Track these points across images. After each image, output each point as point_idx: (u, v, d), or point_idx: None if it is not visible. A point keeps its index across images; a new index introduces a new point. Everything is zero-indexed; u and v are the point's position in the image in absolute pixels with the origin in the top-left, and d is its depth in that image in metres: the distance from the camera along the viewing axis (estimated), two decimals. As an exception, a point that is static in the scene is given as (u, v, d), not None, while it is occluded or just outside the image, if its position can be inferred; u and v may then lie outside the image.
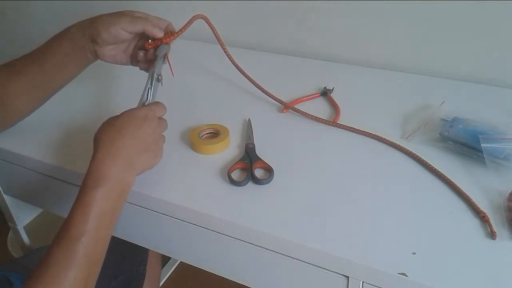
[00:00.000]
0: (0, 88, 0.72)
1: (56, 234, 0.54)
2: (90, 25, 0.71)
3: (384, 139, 0.74)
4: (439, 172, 0.66)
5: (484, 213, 0.59)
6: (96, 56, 0.74)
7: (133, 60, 0.77)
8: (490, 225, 0.57)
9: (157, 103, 0.67)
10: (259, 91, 0.91)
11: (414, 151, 0.71)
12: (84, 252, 0.53)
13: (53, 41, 0.74)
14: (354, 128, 0.77)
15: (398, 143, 0.73)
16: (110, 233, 0.57)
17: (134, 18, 0.71)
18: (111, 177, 0.57)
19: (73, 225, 0.54)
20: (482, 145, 0.67)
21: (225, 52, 0.86)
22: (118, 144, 0.59)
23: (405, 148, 0.72)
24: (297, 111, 0.82)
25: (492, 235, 0.56)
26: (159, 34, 0.73)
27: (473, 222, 0.59)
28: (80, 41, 0.72)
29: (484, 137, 0.68)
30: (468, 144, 0.69)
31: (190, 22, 0.77)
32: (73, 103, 0.87)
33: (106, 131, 0.60)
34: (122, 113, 0.63)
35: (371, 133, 0.76)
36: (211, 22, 0.80)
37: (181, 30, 0.75)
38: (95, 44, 0.72)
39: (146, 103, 0.68)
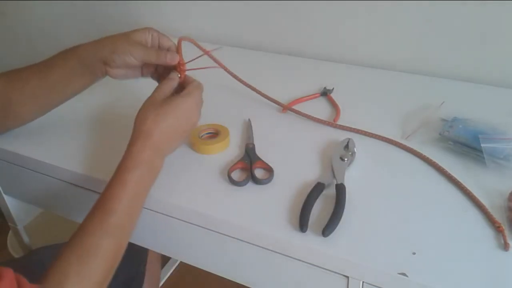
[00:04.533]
0: (2, 95, 0.73)
1: (91, 208, 0.59)
2: (102, 48, 0.71)
3: (384, 137, 0.74)
4: (444, 169, 0.66)
5: (499, 223, 0.57)
6: (106, 75, 0.74)
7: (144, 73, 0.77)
8: (504, 237, 0.55)
9: (197, 87, 0.68)
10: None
11: (416, 149, 0.71)
12: (117, 224, 0.58)
13: (60, 56, 0.74)
14: (353, 128, 0.77)
15: (399, 141, 0.73)
16: (140, 211, 0.62)
17: (147, 50, 0.71)
18: (145, 162, 0.61)
19: (109, 200, 0.58)
20: (482, 145, 0.67)
21: (221, 66, 0.83)
22: (155, 135, 0.62)
23: (407, 146, 0.72)
24: (296, 112, 0.82)
25: (505, 246, 0.55)
26: (172, 62, 0.71)
27: (473, 221, 0.59)
28: (90, 62, 0.72)
29: (484, 137, 0.68)
30: (468, 144, 0.69)
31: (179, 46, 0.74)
32: (73, 102, 0.87)
33: (148, 118, 0.63)
34: (171, 102, 0.64)
35: (370, 132, 0.76)
36: (197, 43, 0.78)
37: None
38: (106, 66, 0.72)
39: None
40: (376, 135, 0.75)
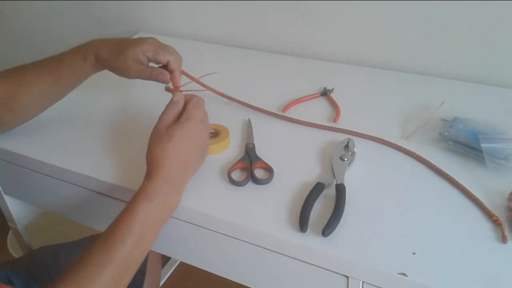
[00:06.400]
0: (9, 96, 0.74)
1: (99, 235, 0.57)
2: (108, 60, 0.75)
3: (382, 139, 0.74)
4: (441, 170, 0.66)
5: (497, 216, 0.58)
6: None
7: None
8: (502, 229, 0.56)
9: (196, 106, 0.66)
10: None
11: (414, 151, 0.71)
12: (123, 255, 0.56)
13: (73, 59, 0.76)
14: (351, 131, 0.77)
15: (397, 143, 0.73)
16: (150, 245, 0.60)
17: (141, 71, 0.74)
18: (158, 195, 0.60)
19: (118, 229, 0.57)
20: (482, 145, 0.67)
21: (211, 90, 0.86)
22: (166, 168, 0.61)
23: (405, 149, 0.72)
24: (291, 120, 0.81)
25: (503, 239, 0.55)
26: (164, 81, 0.74)
27: (472, 220, 0.59)
28: (98, 68, 0.77)
29: (484, 137, 0.68)
30: (468, 144, 0.69)
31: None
32: (73, 102, 0.87)
33: (157, 153, 0.62)
34: (174, 132, 0.62)
35: (368, 135, 0.75)
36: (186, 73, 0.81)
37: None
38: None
39: None
40: (374, 136, 0.75)
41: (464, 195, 0.63)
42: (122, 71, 0.75)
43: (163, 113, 0.65)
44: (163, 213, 0.61)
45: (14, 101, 0.74)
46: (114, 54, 0.74)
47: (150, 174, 0.61)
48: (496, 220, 0.58)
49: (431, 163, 0.68)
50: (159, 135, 0.63)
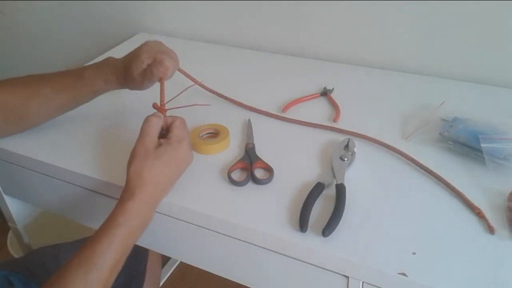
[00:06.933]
0: (22, 105, 0.74)
1: (75, 256, 0.57)
2: (123, 84, 0.77)
3: (379, 141, 0.74)
4: (434, 172, 0.66)
5: (479, 209, 0.59)
6: None
7: None
8: (486, 221, 0.58)
9: (183, 127, 0.66)
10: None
11: (411, 152, 0.70)
12: (101, 277, 0.56)
13: (95, 79, 0.76)
14: (351, 132, 0.77)
15: (394, 145, 0.72)
16: (124, 259, 0.60)
17: (145, 76, 0.74)
18: (138, 217, 0.60)
19: (97, 254, 0.56)
20: (482, 145, 0.67)
21: (212, 91, 0.87)
22: (150, 188, 0.61)
23: (400, 150, 0.71)
24: (291, 120, 0.81)
25: (490, 230, 0.56)
26: (164, 74, 0.74)
27: (471, 220, 0.59)
28: (117, 88, 0.78)
29: (484, 137, 0.68)
30: (468, 144, 0.69)
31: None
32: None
33: (143, 171, 0.60)
34: (163, 152, 0.62)
35: (367, 136, 0.75)
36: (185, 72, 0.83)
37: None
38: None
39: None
40: (373, 138, 0.74)
41: (455, 193, 0.63)
42: (136, 88, 0.77)
43: (148, 126, 0.63)
44: (139, 231, 0.61)
45: (24, 111, 0.75)
46: (126, 77, 0.75)
47: (131, 192, 0.60)
48: (479, 212, 0.59)
49: (423, 165, 0.68)
50: (146, 151, 0.61)
